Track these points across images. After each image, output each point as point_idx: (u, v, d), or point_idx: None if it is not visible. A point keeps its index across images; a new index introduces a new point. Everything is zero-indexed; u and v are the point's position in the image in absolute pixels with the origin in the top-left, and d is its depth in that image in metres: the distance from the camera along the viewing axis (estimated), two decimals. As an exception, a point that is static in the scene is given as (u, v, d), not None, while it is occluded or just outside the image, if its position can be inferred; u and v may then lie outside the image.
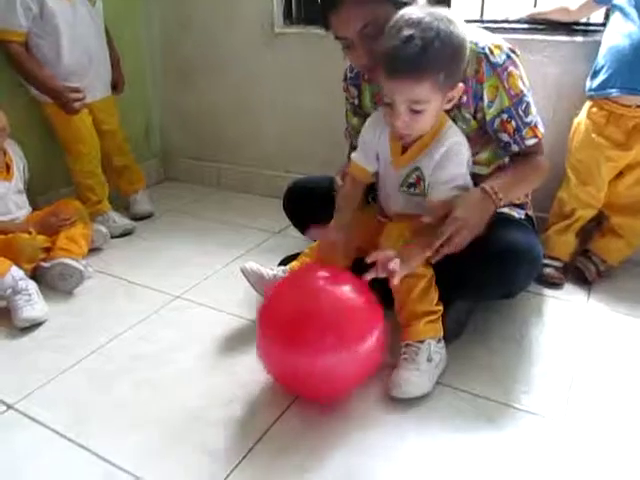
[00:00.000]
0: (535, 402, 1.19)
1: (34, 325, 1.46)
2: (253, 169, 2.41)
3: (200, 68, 2.36)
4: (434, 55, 1.08)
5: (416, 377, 1.17)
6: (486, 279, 1.23)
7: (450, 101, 1.18)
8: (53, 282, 1.63)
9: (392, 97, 1.14)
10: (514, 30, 1.75)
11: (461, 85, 1.17)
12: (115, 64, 2.07)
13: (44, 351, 1.37)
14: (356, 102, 1.49)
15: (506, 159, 1.37)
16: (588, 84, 1.57)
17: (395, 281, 1.13)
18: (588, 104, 1.58)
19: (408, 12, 1.11)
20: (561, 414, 1.15)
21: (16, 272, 1.50)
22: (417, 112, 1.14)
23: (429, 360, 1.21)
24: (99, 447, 1.08)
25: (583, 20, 1.70)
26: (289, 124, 2.24)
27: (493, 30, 1.72)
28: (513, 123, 1.25)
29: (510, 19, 1.79)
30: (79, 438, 1.10)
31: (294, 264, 1.45)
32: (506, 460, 1.04)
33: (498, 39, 1.25)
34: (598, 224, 1.70)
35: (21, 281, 1.49)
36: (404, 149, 1.29)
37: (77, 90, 1.86)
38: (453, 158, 1.23)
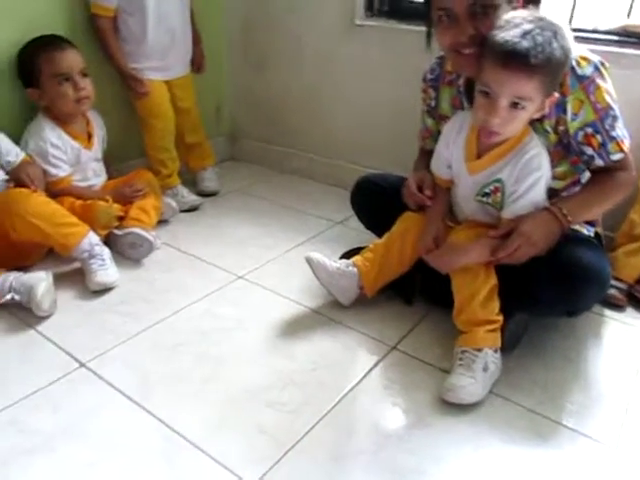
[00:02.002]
0: (587, 424, 1.18)
1: (105, 289, 1.54)
2: (318, 157, 2.43)
3: (276, 53, 2.39)
4: (550, 55, 1.09)
5: (471, 385, 1.18)
6: (552, 296, 1.22)
7: (541, 110, 1.18)
8: (123, 250, 1.71)
9: (497, 89, 1.13)
10: (603, 41, 1.69)
11: (556, 95, 1.17)
12: (197, 43, 2.12)
13: (114, 315, 1.45)
14: (432, 104, 1.49)
15: (583, 174, 1.35)
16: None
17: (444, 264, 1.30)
18: (675, 125, 1.52)
19: (525, 11, 1.14)
20: (614, 440, 1.14)
21: (93, 237, 1.57)
22: (517, 109, 1.14)
23: (485, 369, 1.21)
24: (161, 412, 1.14)
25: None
26: (359, 116, 2.25)
27: (581, 40, 1.68)
28: (598, 137, 1.23)
29: (599, 29, 1.74)
30: (143, 401, 1.17)
31: (357, 259, 1.47)
32: (552, 479, 1.05)
33: (586, 51, 1.22)
34: None
35: (97, 246, 1.57)
36: (479, 154, 1.30)
37: (141, 81, 1.93)
38: (533, 171, 1.23)
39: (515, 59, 1.09)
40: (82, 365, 1.26)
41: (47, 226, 1.50)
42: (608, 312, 1.58)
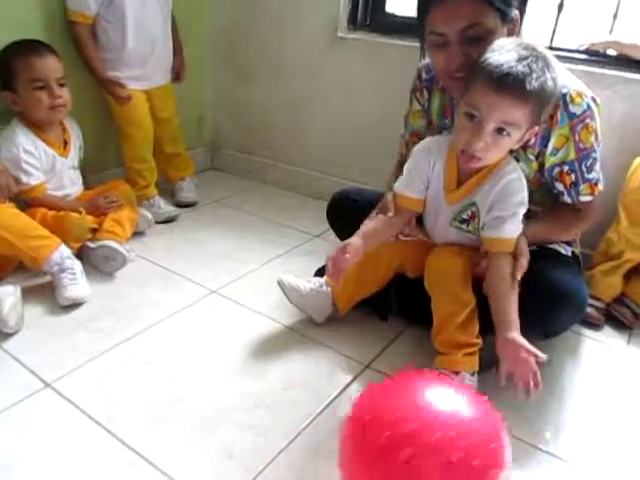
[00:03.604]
0: (562, 447, 1.16)
1: (75, 305, 1.50)
2: (298, 168, 2.41)
3: (259, 65, 2.37)
4: (544, 84, 1.07)
5: (446, 408, 1.16)
6: (528, 318, 1.20)
7: (520, 141, 1.16)
8: (96, 263, 1.67)
9: (486, 112, 1.09)
10: (584, 61, 1.70)
11: (536, 128, 1.16)
12: (178, 52, 2.10)
13: (83, 332, 1.41)
14: (426, 106, 1.45)
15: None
16: (655, 125, 1.52)
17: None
18: (653, 146, 1.53)
19: (516, 39, 1.12)
20: (589, 464, 1.13)
21: (64, 250, 1.54)
22: (502, 135, 1.11)
23: (461, 392, 1.19)
24: (126, 435, 1.10)
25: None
26: (341, 129, 2.24)
27: (562, 59, 1.70)
28: (572, 176, 1.23)
29: (581, 49, 1.74)
30: (108, 424, 1.13)
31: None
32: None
33: (581, 84, 1.20)
34: (636, 267, 1.62)
35: (68, 260, 1.53)
36: (459, 183, 1.27)
37: (122, 86, 1.91)
38: (513, 194, 1.20)
39: (510, 83, 1.05)
40: (47, 385, 1.22)
41: (16, 239, 1.46)
42: (585, 331, 1.58)
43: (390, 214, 1.32)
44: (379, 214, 1.34)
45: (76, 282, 1.51)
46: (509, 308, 1.17)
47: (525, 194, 1.22)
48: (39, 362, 1.28)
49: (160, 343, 1.39)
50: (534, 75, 1.05)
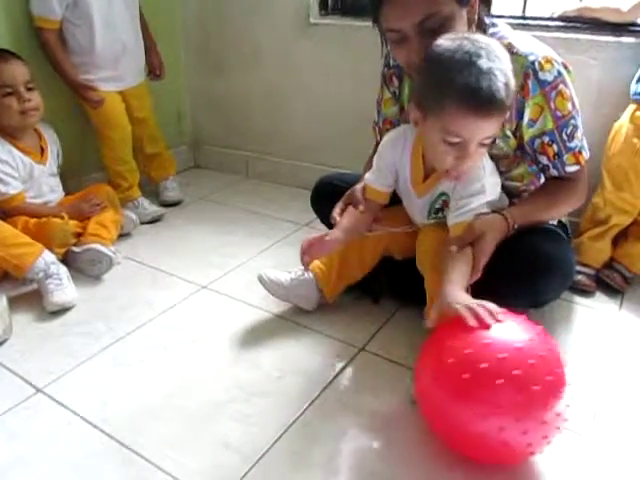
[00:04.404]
0: (560, 413, 1.16)
1: (63, 309, 1.48)
2: (282, 159, 2.40)
3: (234, 56, 2.35)
4: (513, 86, 1.04)
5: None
6: (514, 289, 1.19)
7: None
8: (83, 267, 1.66)
9: (469, 136, 1.04)
10: (557, 28, 1.69)
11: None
12: (152, 50, 2.08)
13: (73, 336, 1.39)
14: (397, 92, 1.42)
15: (540, 174, 1.31)
16: (633, 87, 1.51)
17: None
18: (632, 107, 1.52)
19: (473, 37, 1.03)
20: (587, 429, 1.12)
21: (48, 256, 1.53)
22: (484, 146, 1.09)
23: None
24: (122, 434, 1.09)
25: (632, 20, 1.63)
26: (321, 116, 2.23)
27: (535, 28, 1.69)
28: (554, 147, 1.19)
29: (554, 16, 1.73)
30: (103, 424, 1.12)
31: (313, 264, 1.42)
32: (528, 474, 1.02)
33: (549, 51, 1.17)
34: (624, 230, 1.62)
35: (53, 265, 1.52)
36: (425, 176, 1.25)
37: (94, 89, 1.88)
38: (471, 183, 1.17)
39: (491, 105, 1.00)
40: (39, 390, 1.21)
41: (-2, 248, 1.45)
42: (577, 298, 1.57)
43: (361, 207, 1.30)
44: (349, 205, 1.34)
45: (62, 287, 1.49)
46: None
47: (484, 182, 1.17)
48: (29, 368, 1.27)
49: (152, 341, 1.38)
50: (505, 86, 1.00)
